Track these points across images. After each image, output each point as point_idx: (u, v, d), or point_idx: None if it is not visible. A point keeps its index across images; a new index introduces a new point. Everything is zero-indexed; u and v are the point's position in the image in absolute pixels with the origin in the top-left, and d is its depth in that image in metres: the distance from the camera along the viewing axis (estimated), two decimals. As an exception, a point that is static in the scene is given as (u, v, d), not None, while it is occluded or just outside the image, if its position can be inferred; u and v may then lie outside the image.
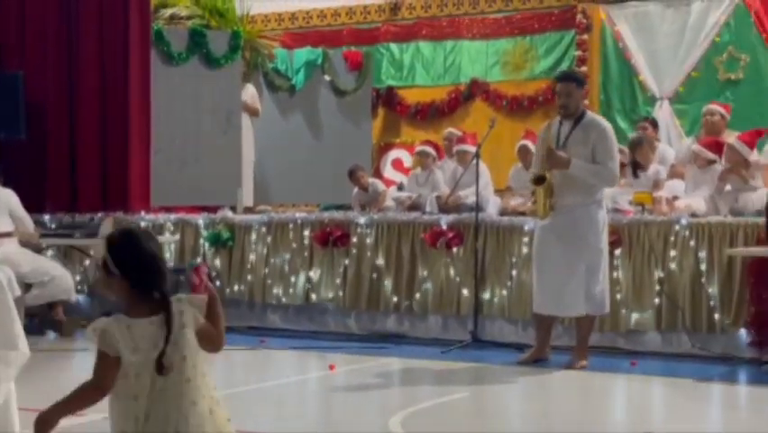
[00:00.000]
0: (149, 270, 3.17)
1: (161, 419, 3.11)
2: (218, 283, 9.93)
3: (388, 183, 12.22)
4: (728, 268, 7.93)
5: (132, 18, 10.68)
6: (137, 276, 3.16)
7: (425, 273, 9.09)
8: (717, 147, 9.06)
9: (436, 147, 11.05)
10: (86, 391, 3.19)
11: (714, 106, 9.81)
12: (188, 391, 3.15)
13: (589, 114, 7.95)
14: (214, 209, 10.57)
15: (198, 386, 3.17)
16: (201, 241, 10.12)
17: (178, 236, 10.18)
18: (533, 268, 7.85)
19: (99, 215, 10.25)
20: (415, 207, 10.13)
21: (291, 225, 9.72)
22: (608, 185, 7.84)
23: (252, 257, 9.87)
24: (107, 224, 3.17)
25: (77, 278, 10.37)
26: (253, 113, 11.86)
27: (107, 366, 3.14)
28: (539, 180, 7.60)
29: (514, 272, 8.68)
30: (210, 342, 3.26)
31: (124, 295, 3.19)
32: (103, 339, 3.12)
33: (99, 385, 3.17)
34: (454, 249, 8.95)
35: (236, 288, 9.90)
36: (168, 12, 12.30)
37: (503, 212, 9.58)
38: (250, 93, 11.86)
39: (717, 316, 7.95)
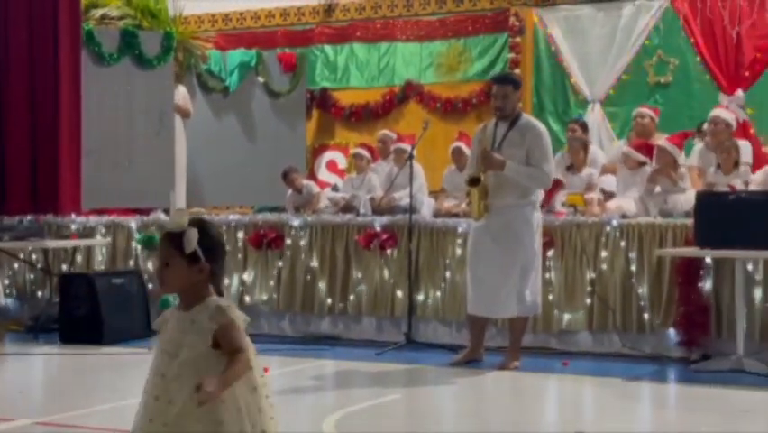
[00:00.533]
0: (224, 258, 3.41)
1: None
2: (150, 286, 9.85)
3: (323, 185, 12.20)
4: (658, 268, 8.04)
5: (62, 18, 10.53)
6: (219, 263, 3.35)
7: (359, 275, 9.09)
8: (647, 149, 9.19)
9: (371, 150, 11.07)
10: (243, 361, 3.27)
11: (644, 110, 9.95)
12: None
13: (525, 116, 7.99)
14: (146, 212, 10.48)
15: None
16: (133, 244, 10.03)
17: (109, 239, 10.07)
18: (467, 269, 7.88)
19: (28, 217, 10.11)
20: (348, 208, 10.12)
21: (225, 228, 9.66)
22: (543, 187, 7.91)
23: (185, 260, 9.78)
24: (181, 213, 3.24)
25: (6, 282, 10.22)
26: (185, 114, 11.78)
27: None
28: (474, 182, 7.64)
29: (447, 274, 8.72)
30: None
31: (201, 284, 3.30)
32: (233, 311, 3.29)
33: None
34: (388, 251, 8.97)
35: (169, 291, 9.81)
36: (99, 12, 12.15)
37: (437, 214, 9.61)
38: (181, 94, 11.77)
39: (646, 316, 8.06)
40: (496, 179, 7.59)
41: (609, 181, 9.44)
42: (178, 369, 3.25)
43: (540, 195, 7.89)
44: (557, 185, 8.65)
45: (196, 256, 3.26)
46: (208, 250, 3.29)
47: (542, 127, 7.84)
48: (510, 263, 7.53)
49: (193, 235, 3.24)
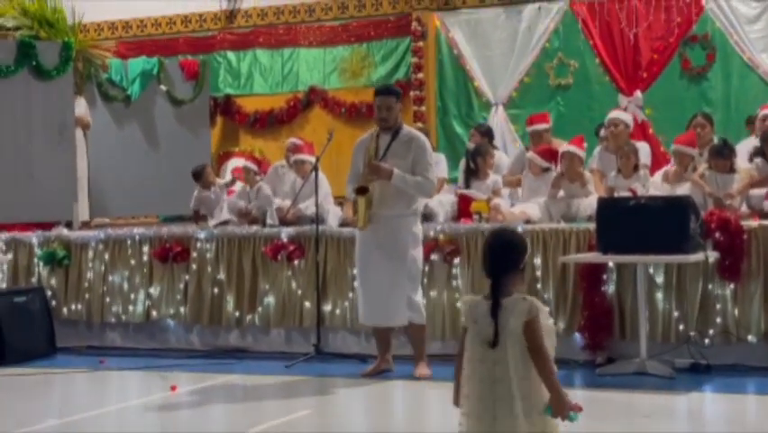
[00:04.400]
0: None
1: (487, 396, 3.85)
2: (54, 303, 9.69)
3: (230, 192, 12.04)
4: (562, 273, 8.14)
5: (-45, 31, 10.27)
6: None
7: (267, 287, 9.06)
8: (550, 155, 9.29)
9: (257, 162, 10.91)
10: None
11: (540, 126, 9.85)
12: (511, 382, 3.83)
13: (406, 127, 8.08)
14: (49, 226, 10.27)
15: (520, 382, 3.85)
16: (35, 260, 9.84)
17: (10, 256, 9.87)
18: (357, 280, 7.93)
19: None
20: (254, 220, 10.02)
21: (129, 242, 9.55)
22: (428, 196, 8.07)
23: (90, 275, 9.65)
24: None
25: None
26: (85, 126, 11.55)
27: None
28: (362, 191, 7.70)
29: (356, 283, 8.71)
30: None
31: None
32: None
33: None
34: (296, 261, 8.95)
35: (73, 307, 9.67)
36: (-7, 23, 11.88)
37: (343, 223, 9.59)
38: (81, 106, 11.54)
39: (552, 321, 8.13)
40: (380, 190, 7.68)
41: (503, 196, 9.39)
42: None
43: (421, 205, 8.00)
44: None
45: None
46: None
47: (424, 138, 7.99)
48: (398, 272, 7.65)
49: None
